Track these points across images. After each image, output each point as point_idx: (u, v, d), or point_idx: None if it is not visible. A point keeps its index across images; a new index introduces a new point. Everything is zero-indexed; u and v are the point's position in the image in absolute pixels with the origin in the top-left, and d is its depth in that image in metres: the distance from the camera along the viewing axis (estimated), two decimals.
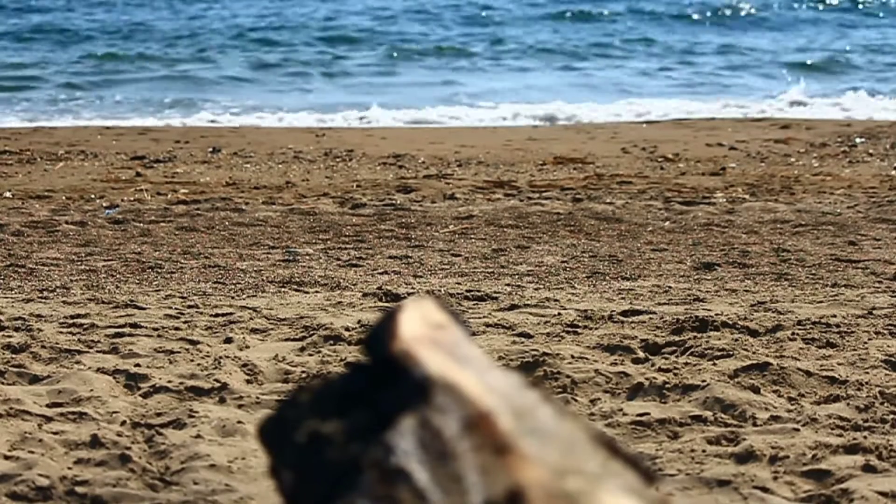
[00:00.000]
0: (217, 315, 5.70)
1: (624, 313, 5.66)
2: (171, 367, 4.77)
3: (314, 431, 1.91)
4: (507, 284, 6.57)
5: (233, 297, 6.20)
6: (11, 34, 23.44)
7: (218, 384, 4.51)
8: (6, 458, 3.71)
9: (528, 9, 27.70)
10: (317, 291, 6.38)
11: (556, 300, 6.04)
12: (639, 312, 5.68)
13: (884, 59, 21.89)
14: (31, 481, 3.50)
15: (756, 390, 4.43)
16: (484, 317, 5.63)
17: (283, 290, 6.42)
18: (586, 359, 4.83)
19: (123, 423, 4.09)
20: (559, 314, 5.66)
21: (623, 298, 6.14)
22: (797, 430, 4.00)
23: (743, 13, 27.56)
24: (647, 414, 4.19)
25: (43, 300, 6.07)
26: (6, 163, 11.51)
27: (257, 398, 4.39)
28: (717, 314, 5.56)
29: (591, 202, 9.56)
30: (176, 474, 3.64)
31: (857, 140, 13.42)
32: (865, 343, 5.12)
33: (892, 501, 3.43)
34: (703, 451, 3.83)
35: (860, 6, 28.63)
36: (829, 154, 12.51)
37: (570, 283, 6.62)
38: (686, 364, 4.81)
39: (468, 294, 6.19)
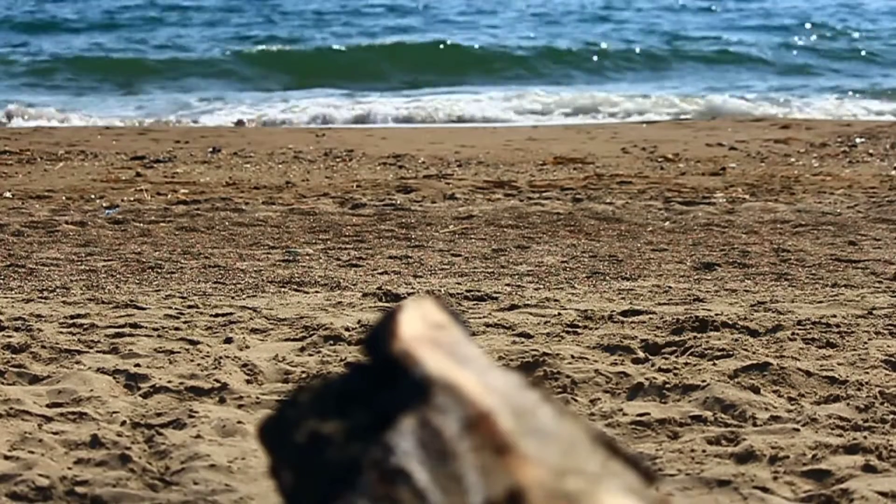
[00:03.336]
0: (217, 315, 5.70)
1: (624, 313, 5.66)
2: (171, 367, 4.76)
3: (314, 431, 1.91)
4: (507, 284, 6.56)
5: (233, 297, 6.19)
6: None
7: (218, 384, 4.51)
8: (6, 458, 3.71)
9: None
10: (317, 291, 6.37)
11: (556, 300, 6.03)
12: (639, 312, 5.67)
13: None
14: (31, 481, 3.50)
15: (756, 390, 4.42)
16: (484, 317, 5.63)
17: (283, 290, 6.42)
18: (586, 359, 4.83)
19: (123, 423, 4.09)
20: (559, 314, 5.66)
21: (623, 298, 6.14)
22: (797, 430, 4.00)
23: None
24: (647, 414, 4.18)
25: (43, 300, 6.07)
26: (6, 163, 11.51)
27: (257, 398, 4.39)
28: (717, 314, 5.56)
29: (591, 202, 9.56)
30: (176, 474, 3.64)
31: (857, 140, 13.42)
32: (865, 343, 5.12)
33: (892, 501, 3.42)
34: (703, 451, 3.82)
35: None
36: (829, 154, 12.51)
37: (570, 283, 6.62)
38: (686, 364, 4.81)
39: (468, 294, 6.19)
